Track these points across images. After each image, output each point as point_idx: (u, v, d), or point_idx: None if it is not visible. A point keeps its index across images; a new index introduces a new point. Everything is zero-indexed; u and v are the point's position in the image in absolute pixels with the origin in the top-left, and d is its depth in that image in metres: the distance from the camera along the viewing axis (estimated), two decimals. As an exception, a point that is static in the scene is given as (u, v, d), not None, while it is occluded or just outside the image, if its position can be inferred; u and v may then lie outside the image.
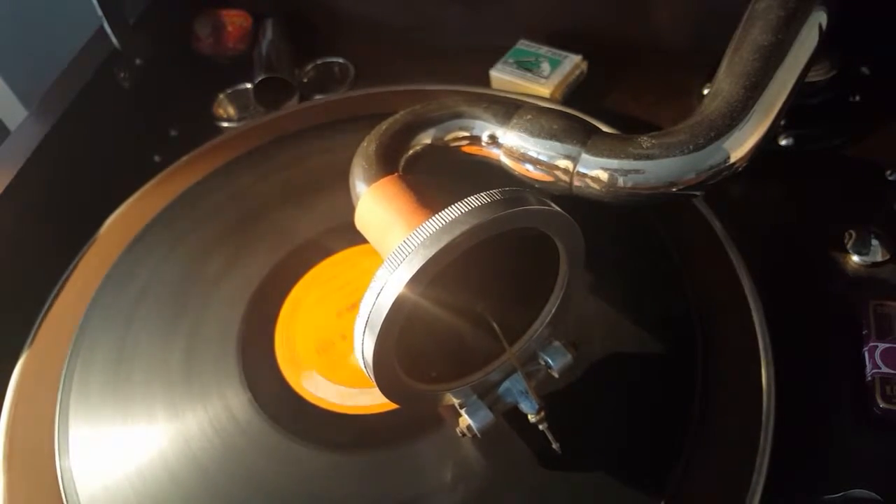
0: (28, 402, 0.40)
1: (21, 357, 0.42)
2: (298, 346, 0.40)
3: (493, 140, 0.38)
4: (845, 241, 0.43)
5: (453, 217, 0.27)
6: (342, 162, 0.37)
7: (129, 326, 0.42)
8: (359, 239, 0.36)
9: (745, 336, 0.38)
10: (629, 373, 0.37)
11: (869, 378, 0.37)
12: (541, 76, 0.54)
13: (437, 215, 0.27)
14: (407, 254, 0.27)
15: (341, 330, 0.41)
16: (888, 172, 0.46)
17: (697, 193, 0.35)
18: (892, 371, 0.36)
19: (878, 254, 0.42)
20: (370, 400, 0.37)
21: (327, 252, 0.44)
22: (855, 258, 0.42)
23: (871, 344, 0.38)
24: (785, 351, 0.37)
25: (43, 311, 0.44)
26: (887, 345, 0.37)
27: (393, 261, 0.27)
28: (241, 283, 0.43)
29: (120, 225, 0.48)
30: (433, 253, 0.26)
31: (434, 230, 0.27)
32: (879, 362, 0.37)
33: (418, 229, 0.27)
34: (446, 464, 0.35)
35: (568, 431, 0.33)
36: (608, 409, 0.36)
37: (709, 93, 0.36)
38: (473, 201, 0.28)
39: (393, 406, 0.36)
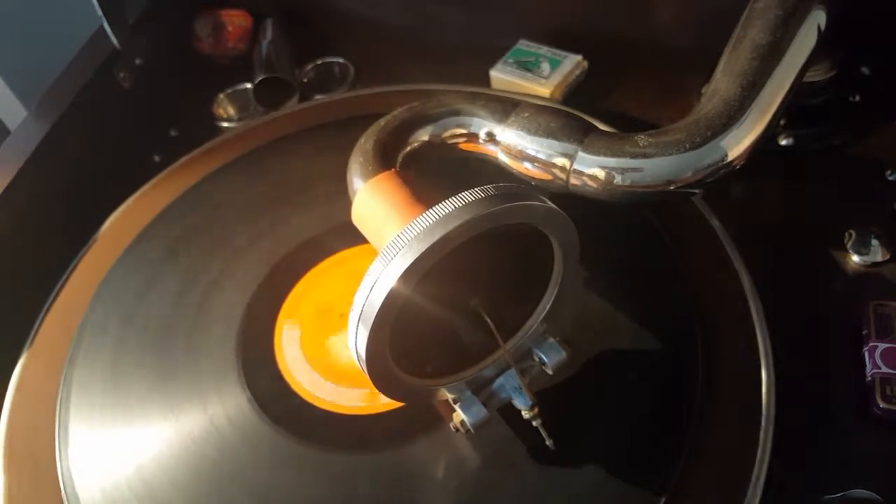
0: (28, 402, 0.40)
1: (21, 357, 0.42)
2: (298, 346, 0.40)
3: (491, 137, 0.38)
4: (845, 241, 0.43)
5: (447, 211, 0.27)
6: (342, 162, 0.37)
7: (129, 326, 0.42)
8: (359, 238, 0.36)
9: (745, 336, 0.38)
10: (627, 372, 0.37)
11: (869, 378, 0.37)
12: (541, 76, 0.54)
13: (431, 209, 0.27)
14: (400, 247, 0.27)
15: (341, 330, 0.41)
16: (888, 172, 0.46)
17: (695, 192, 0.35)
18: (892, 371, 0.36)
19: (878, 254, 0.42)
20: (370, 400, 0.37)
21: (327, 252, 0.44)
22: (855, 258, 0.42)
23: (871, 344, 0.38)
24: (785, 351, 0.37)
25: (43, 311, 0.44)
26: (887, 345, 0.37)
27: (386, 254, 0.27)
28: (241, 283, 0.43)
29: (120, 225, 0.48)
30: (426, 247, 0.26)
31: (428, 224, 0.27)
32: (879, 362, 0.37)
33: (412, 223, 0.27)
34: (444, 463, 0.35)
35: (566, 430, 0.33)
36: (606, 408, 0.36)
37: (706, 92, 0.36)
38: (468, 196, 0.28)
39: (392, 406, 0.36)
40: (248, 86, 0.60)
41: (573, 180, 0.36)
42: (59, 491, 0.36)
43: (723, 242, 0.42)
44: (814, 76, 0.47)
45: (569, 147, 0.35)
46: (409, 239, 0.27)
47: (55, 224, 0.49)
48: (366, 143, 0.37)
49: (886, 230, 0.43)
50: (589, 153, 0.35)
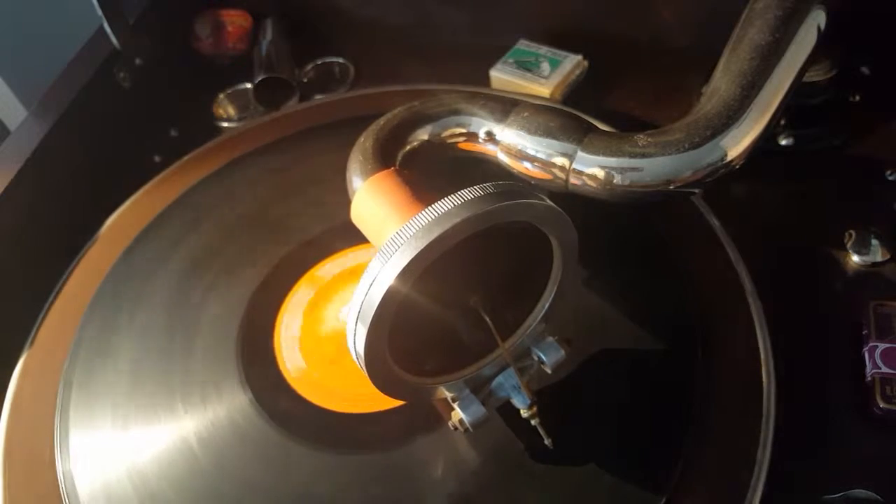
0: (28, 403, 0.40)
1: (21, 357, 0.42)
2: (299, 346, 0.40)
3: (490, 137, 0.38)
4: (845, 241, 0.43)
5: (445, 209, 0.27)
6: (342, 162, 0.37)
7: (130, 326, 0.42)
8: (359, 238, 0.36)
9: (745, 336, 0.38)
10: (627, 371, 0.37)
11: (869, 378, 0.37)
12: (541, 76, 0.54)
13: (429, 207, 0.27)
14: (399, 245, 0.27)
15: (341, 330, 0.41)
16: (888, 172, 0.46)
17: (695, 191, 0.35)
18: (892, 371, 0.36)
19: (878, 254, 0.42)
20: (370, 400, 0.37)
21: (327, 252, 0.44)
22: (855, 258, 0.42)
23: (871, 344, 0.38)
24: (785, 351, 0.37)
25: (43, 311, 0.44)
26: (887, 345, 0.37)
27: (385, 252, 0.27)
28: (242, 283, 0.43)
29: (120, 225, 0.48)
30: (424, 245, 0.26)
31: (426, 222, 0.27)
32: (879, 362, 0.37)
33: (410, 221, 0.27)
34: (443, 462, 0.35)
35: (565, 429, 0.33)
36: (606, 408, 0.36)
37: (706, 91, 0.35)
38: (466, 194, 0.28)
39: (392, 405, 0.36)
40: (248, 86, 0.60)
41: (573, 180, 0.36)
42: (59, 491, 0.36)
43: (723, 242, 0.42)
44: (814, 76, 0.47)
45: (568, 147, 0.35)
46: (408, 237, 0.27)
47: (55, 224, 0.49)
48: (365, 141, 0.37)
49: (886, 230, 0.43)
50: (588, 153, 0.35)
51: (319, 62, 0.63)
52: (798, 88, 0.36)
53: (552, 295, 0.33)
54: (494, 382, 0.34)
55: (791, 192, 0.46)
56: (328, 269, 0.44)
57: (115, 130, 0.56)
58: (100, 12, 0.54)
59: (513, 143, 0.37)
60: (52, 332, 0.43)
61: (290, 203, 0.48)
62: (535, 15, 0.60)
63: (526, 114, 0.37)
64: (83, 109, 0.53)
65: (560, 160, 0.35)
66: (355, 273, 0.43)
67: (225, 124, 0.59)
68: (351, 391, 0.38)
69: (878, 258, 0.42)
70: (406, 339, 0.30)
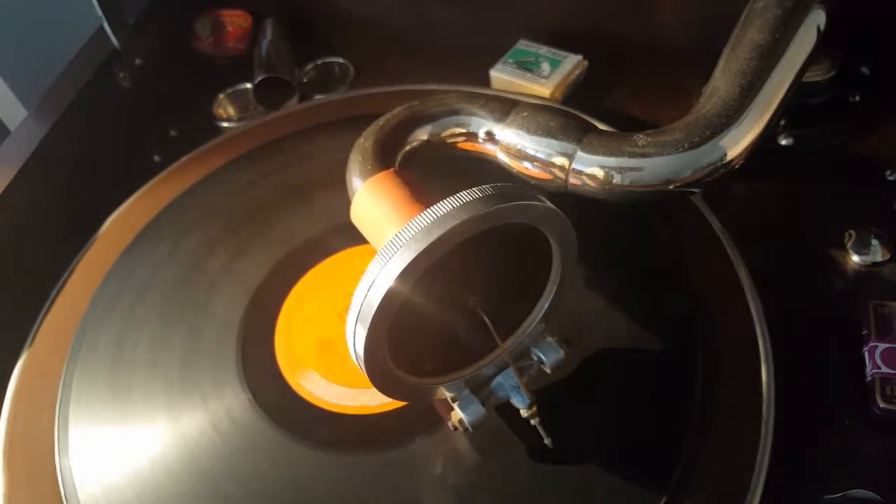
0: (28, 402, 0.40)
1: (21, 357, 0.42)
2: (298, 346, 0.40)
3: (490, 137, 0.38)
4: (845, 241, 0.43)
5: (445, 211, 0.27)
6: (342, 162, 0.37)
7: (129, 326, 0.42)
8: (359, 238, 0.36)
9: (745, 336, 0.38)
10: (626, 371, 0.37)
11: (869, 378, 0.37)
12: (541, 76, 0.54)
13: (429, 209, 0.27)
14: (398, 247, 0.27)
15: (341, 330, 0.41)
16: (888, 172, 0.46)
17: (695, 191, 0.35)
18: (892, 371, 0.36)
19: (878, 254, 0.42)
20: (370, 400, 0.37)
21: (327, 252, 0.44)
22: (855, 258, 0.42)
23: (871, 344, 0.38)
24: (785, 351, 0.37)
25: (43, 311, 0.44)
26: (887, 345, 0.37)
27: (384, 254, 0.27)
28: (241, 283, 0.43)
29: (120, 225, 0.48)
30: (424, 246, 0.27)
31: (426, 224, 0.27)
32: (879, 362, 0.37)
33: (410, 223, 0.27)
34: (443, 462, 0.35)
35: (565, 429, 0.33)
36: (606, 408, 0.36)
37: (705, 91, 0.36)
38: (465, 196, 0.28)
39: (393, 406, 0.36)
40: (248, 86, 0.60)
41: (572, 179, 0.36)
42: (59, 491, 0.36)
43: (723, 242, 0.42)
44: (814, 76, 0.47)
45: (568, 146, 0.35)
46: (407, 238, 0.27)
47: (55, 224, 0.49)
48: (365, 142, 0.37)
49: (886, 230, 0.43)
50: (588, 152, 0.35)
51: (319, 62, 0.62)
52: (798, 88, 0.37)
53: (551, 295, 0.33)
54: (494, 382, 0.34)
55: (791, 192, 0.46)
56: (328, 269, 0.44)
57: (115, 130, 0.56)
58: (100, 12, 0.54)
59: (512, 143, 0.37)
60: (52, 331, 0.43)
61: (290, 203, 0.48)
62: (535, 15, 0.60)
63: (525, 113, 0.37)
64: (83, 109, 0.53)
65: (559, 160, 0.35)
66: (355, 273, 0.43)
67: (225, 124, 0.59)
68: (351, 391, 0.38)
69: (878, 258, 0.42)
70: (405, 339, 0.30)
